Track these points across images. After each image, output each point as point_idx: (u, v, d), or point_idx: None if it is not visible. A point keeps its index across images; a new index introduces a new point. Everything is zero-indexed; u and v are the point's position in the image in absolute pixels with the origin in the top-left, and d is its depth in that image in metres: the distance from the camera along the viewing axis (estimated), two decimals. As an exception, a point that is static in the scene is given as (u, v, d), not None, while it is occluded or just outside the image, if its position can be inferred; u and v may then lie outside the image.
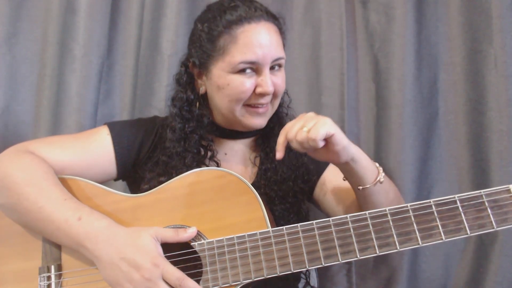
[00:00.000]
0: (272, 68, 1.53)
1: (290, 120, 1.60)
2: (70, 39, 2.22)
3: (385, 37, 2.13)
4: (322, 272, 2.05)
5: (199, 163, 1.56)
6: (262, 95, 1.50)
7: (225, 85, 1.50)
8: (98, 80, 2.25)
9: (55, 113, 2.21)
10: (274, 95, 1.55)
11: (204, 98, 1.62)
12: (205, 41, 1.53)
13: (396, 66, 2.06)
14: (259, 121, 1.56)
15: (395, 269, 2.05)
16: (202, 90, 1.60)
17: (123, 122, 1.69)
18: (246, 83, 1.48)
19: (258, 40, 1.47)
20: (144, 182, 1.54)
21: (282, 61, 1.55)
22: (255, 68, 1.49)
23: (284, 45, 1.61)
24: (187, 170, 1.47)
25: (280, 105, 1.69)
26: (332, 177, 1.69)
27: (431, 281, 2.04)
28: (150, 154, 1.59)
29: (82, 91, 2.20)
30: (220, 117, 1.61)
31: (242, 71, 1.48)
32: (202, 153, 1.59)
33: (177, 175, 1.47)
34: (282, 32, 1.60)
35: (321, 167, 1.71)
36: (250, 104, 1.52)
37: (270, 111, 1.58)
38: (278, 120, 1.68)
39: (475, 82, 1.99)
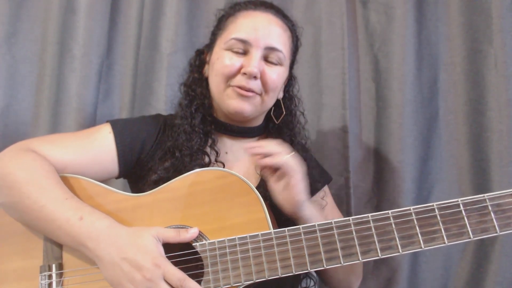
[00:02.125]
0: (269, 61, 1.54)
1: (302, 145, 1.71)
2: (70, 39, 2.22)
3: (385, 37, 2.13)
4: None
5: (202, 150, 1.56)
6: (247, 76, 1.49)
7: (216, 59, 1.55)
8: (97, 80, 2.25)
9: (54, 113, 2.21)
10: (265, 88, 1.54)
11: (208, 83, 1.63)
12: (215, 24, 1.67)
13: (396, 66, 2.07)
14: (242, 105, 1.52)
15: (395, 269, 2.05)
16: (206, 73, 1.65)
17: (125, 120, 1.67)
18: (233, 59, 1.52)
19: (255, 23, 1.53)
20: (152, 172, 1.54)
21: (280, 56, 1.55)
22: (246, 50, 1.52)
23: (293, 52, 1.65)
24: (190, 152, 1.51)
25: (292, 127, 1.70)
26: (328, 197, 1.78)
27: (431, 281, 2.05)
28: (154, 150, 1.58)
29: (81, 91, 2.20)
30: (217, 106, 1.61)
31: (235, 51, 1.52)
32: (205, 139, 1.59)
33: (181, 155, 1.50)
34: (293, 35, 1.63)
35: (325, 180, 1.79)
36: (235, 85, 1.51)
37: (259, 102, 1.56)
38: (289, 138, 1.67)
39: (475, 82, 2.00)
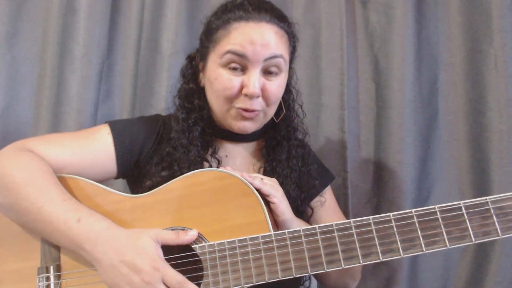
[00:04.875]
0: (268, 72, 1.49)
1: (301, 138, 1.70)
2: (70, 39, 2.23)
3: (385, 37, 2.13)
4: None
5: (202, 159, 1.55)
6: (248, 97, 1.46)
7: (214, 79, 1.49)
8: (98, 80, 2.25)
9: (55, 113, 2.22)
10: (267, 103, 1.51)
11: (205, 94, 1.59)
12: (204, 34, 1.56)
13: (396, 66, 2.07)
14: (245, 125, 1.51)
15: (395, 269, 2.05)
16: (202, 83, 1.60)
17: (124, 120, 1.67)
18: (232, 80, 1.46)
19: (250, 36, 1.43)
20: (147, 177, 1.53)
21: (280, 62, 1.48)
22: (244, 65, 1.46)
23: (291, 53, 1.59)
24: (189, 164, 1.49)
25: (289, 121, 1.68)
26: (330, 197, 1.77)
27: (431, 281, 2.05)
28: (152, 153, 1.57)
29: (82, 91, 2.20)
30: (215, 116, 1.59)
31: (232, 68, 1.46)
32: (205, 149, 1.57)
33: (179, 168, 1.48)
34: (289, 37, 1.55)
35: (326, 181, 1.76)
36: (239, 107, 1.48)
37: (262, 117, 1.54)
38: (287, 135, 1.66)
39: (475, 82, 1.99)
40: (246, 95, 1.45)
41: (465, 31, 2.01)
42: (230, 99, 1.48)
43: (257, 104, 1.48)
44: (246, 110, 1.48)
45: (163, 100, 2.20)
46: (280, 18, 1.51)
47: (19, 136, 2.13)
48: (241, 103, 1.47)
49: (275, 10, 1.52)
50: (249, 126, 1.52)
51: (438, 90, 2.10)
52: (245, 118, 1.50)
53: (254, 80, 1.44)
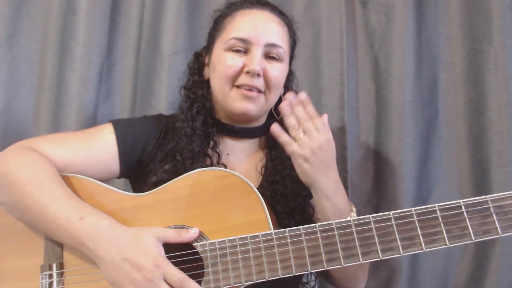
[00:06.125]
0: (270, 57, 1.55)
1: None
2: (70, 39, 2.22)
3: (385, 37, 2.13)
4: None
5: (204, 152, 1.57)
6: (250, 74, 1.50)
7: (217, 61, 1.56)
8: (98, 80, 2.25)
9: (55, 113, 2.21)
10: (268, 86, 1.55)
11: (208, 85, 1.64)
12: (212, 25, 1.68)
13: (396, 66, 2.07)
14: (247, 106, 1.53)
15: (395, 269, 2.05)
16: (206, 75, 1.66)
17: (127, 120, 1.68)
18: (235, 60, 1.53)
19: (253, 21, 1.54)
20: (152, 173, 1.54)
21: (280, 51, 1.56)
22: (246, 48, 1.53)
23: (291, 48, 1.66)
24: (192, 155, 1.51)
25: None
26: None
27: (431, 281, 2.05)
28: (156, 150, 1.58)
29: (82, 91, 2.20)
30: (218, 107, 1.62)
31: (235, 50, 1.53)
32: (207, 141, 1.60)
33: (182, 159, 1.51)
34: (290, 30, 1.64)
35: None
36: (240, 84, 1.53)
37: (263, 101, 1.57)
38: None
39: (475, 82, 2.00)
40: (248, 72, 1.50)
41: (465, 31, 2.02)
42: (232, 78, 1.53)
43: (258, 83, 1.52)
44: (247, 86, 1.52)
45: (163, 100, 2.19)
46: (281, 12, 1.63)
47: (19, 136, 2.12)
48: (242, 80, 1.52)
49: (276, 7, 1.63)
50: (250, 108, 1.54)
51: (438, 90, 2.10)
52: (246, 98, 1.53)
53: (256, 59, 1.51)
